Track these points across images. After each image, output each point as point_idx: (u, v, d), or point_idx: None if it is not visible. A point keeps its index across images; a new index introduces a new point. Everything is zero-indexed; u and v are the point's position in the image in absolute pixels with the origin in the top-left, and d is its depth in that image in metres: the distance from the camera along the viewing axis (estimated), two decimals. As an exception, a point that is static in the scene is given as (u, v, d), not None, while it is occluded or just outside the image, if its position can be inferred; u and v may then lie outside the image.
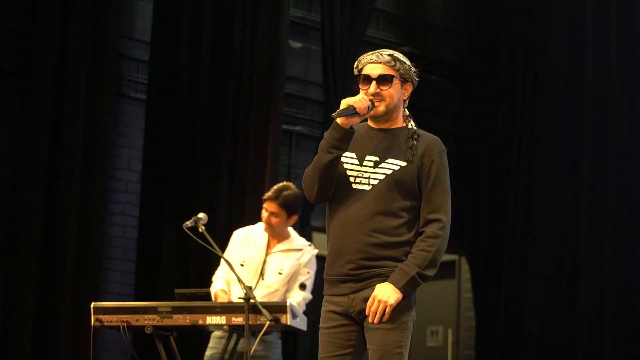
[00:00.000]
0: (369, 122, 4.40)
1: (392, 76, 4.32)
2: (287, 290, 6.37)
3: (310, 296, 6.43)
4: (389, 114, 4.35)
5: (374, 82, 4.31)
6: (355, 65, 4.40)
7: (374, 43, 10.63)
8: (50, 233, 8.22)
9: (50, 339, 8.12)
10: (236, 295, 6.20)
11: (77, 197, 8.32)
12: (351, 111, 4.25)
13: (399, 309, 4.19)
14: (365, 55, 4.39)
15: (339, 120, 4.26)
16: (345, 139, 4.28)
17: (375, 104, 4.31)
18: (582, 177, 9.85)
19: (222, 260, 6.52)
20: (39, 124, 8.28)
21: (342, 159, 4.33)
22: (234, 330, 5.63)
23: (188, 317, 5.56)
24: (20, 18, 8.53)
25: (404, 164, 4.28)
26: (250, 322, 5.33)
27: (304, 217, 9.62)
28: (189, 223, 5.78)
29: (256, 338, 5.57)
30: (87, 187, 8.40)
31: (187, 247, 8.52)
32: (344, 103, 4.27)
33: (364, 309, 4.21)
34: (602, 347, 9.54)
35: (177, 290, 5.92)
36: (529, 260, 10.01)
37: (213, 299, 6.17)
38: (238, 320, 5.50)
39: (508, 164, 10.39)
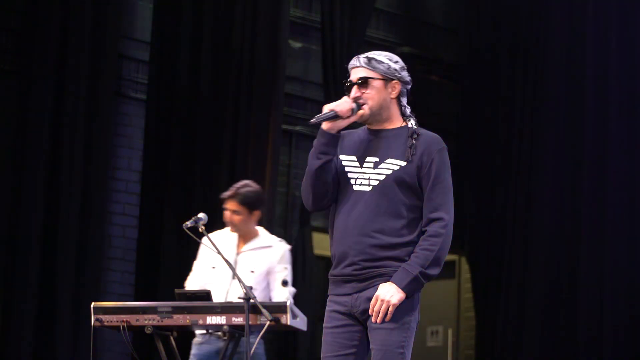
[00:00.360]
0: (368, 126, 4.40)
1: (370, 78, 4.31)
2: (269, 290, 6.34)
3: (294, 289, 6.42)
4: (376, 115, 4.34)
5: (355, 87, 4.33)
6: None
7: (374, 43, 10.63)
8: (51, 233, 8.21)
9: (50, 339, 8.12)
10: (235, 295, 6.20)
11: (77, 197, 8.32)
12: (331, 115, 4.27)
13: (402, 309, 4.19)
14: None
15: (324, 126, 4.28)
16: (332, 144, 4.29)
17: (362, 107, 4.31)
18: (582, 176, 9.85)
19: (194, 265, 6.55)
20: (39, 124, 8.28)
21: (343, 162, 4.34)
22: (233, 330, 5.63)
23: (188, 317, 5.55)
24: (20, 18, 8.52)
25: (403, 163, 4.27)
26: (250, 322, 5.33)
27: (304, 217, 9.62)
28: (189, 223, 5.77)
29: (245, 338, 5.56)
30: (87, 187, 8.40)
31: (187, 247, 8.51)
32: (326, 108, 4.30)
33: (367, 309, 4.20)
34: (602, 346, 9.53)
35: (177, 290, 5.92)
36: (529, 260, 10.01)
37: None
38: (238, 320, 5.50)
39: (508, 164, 10.39)
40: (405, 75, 4.37)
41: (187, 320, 5.55)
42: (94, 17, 8.53)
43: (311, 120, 4.31)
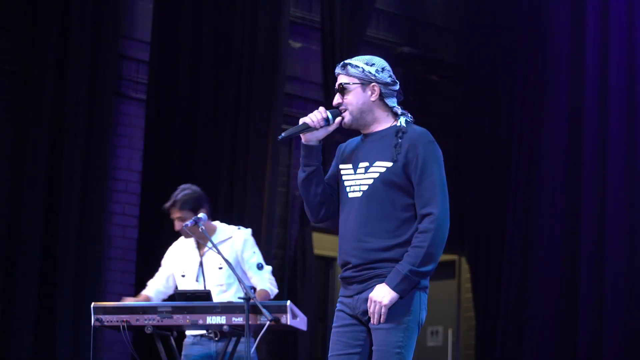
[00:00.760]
0: (361, 131, 4.43)
1: (347, 84, 4.35)
2: (246, 279, 6.31)
3: (270, 267, 6.39)
4: (359, 119, 4.37)
5: (337, 94, 4.38)
6: None
7: (374, 43, 10.64)
8: (51, 233, 8.21)
9: (50, 339, 8.12)
10: (236, 295, 6.20)
11: (77, 197, 8.32)
12: (301, 128, 4.33)
13: (398, 309, 4.20)
14: None
15: (302, 138, 4.36)
16: (312, 155, 4.35)
17: (343, 114, 4.36)
18: (583, 176, 9.85)
19: (158, 272, 6.55)
20: (39, 124, 8.28)
21: (341, 171, 4.38)
22: (233, 330, 5.63)
23: (188, 317, 5.55)
24: (20, 18, 8.52)
25: (390, 164, 4.27)
26: (250, 322, 5.33)
27: (304, 217, 9.62)
28: (189, 223, 5.77)
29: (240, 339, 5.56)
30: (87, 187, 8.40)
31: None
32: (300, 121, 4.36)
33: (367, 310, 4.23)
34: (602, 346, 9.53)
35: (177, 290, 5.92)
36: (529, 260, 10.01)
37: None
38: (238, 320, 5.50)
39: (508, 163, 10.39)
40: (384, 76, 4.36)
41: (187, 320, 5.55)
42: (94, 17, 8.54)
43: (279, 137, 4.37)
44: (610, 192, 9.74)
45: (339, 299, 4.37)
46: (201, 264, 6.36)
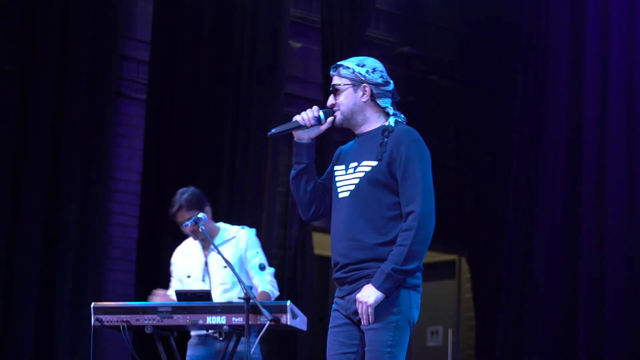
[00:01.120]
0: (355, 132, 4.48)
1: (338, 84, 4.40)
2: (248, 279, 6.34)
3: (272, 269, 6.43)
4: (350, 120, 4.42)
5: (331, 95, 4.43)
6: None
7: (374, 43, 10.64)
8: (51, 233, 8.21)
9: (50, 339, 8.11)
10: (214, 296, 6.20)
11: (77, 197, 8.32)
12: (294, 125, 4.38)
13: (385, 308, 4.22)
14: None
15: (294, 136, 4.41)
16: (302, 153, 4.41)
17: (335, 114, 4.41)
18: (583, 176, 9.84)
19: (171, 283, 6.58)
20: (39, 123, 8.28)
21: (335, 173, 4.43)
22: (233, 330, 5.63)
23: (188, 317, 5.55)
24: (20, 18, 8.52)
25: (375, 163, 4.31)
26: (250, 322, 5.33)
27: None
28: (189, 223, 5.77)
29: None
30: (87, 187, 8.40)
31: (187, 247, 8.51)
32: (293, 119, 4.42)
33: (357, 310, 4.27)
34: (602, 347, 9.53)
35: (177, 290, 5.92)
36: (529, 260, 10.01)
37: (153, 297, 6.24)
38: (238, 320, 5.50)
39: (508, 163, 10.38)
40: (375, 77, 4.40)
41: (187, 320, 5.55)
42: (94, 17, 8.53)
43: (269, 132, 4.41)
44: (610, 192, 9.73)
45: (334, 299, 4.41)
46: (206, 264, 6.38)
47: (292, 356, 9.27)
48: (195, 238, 6.44)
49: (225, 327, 5.54)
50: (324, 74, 9.73)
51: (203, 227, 5.89)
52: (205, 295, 5.77)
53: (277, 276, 6.66)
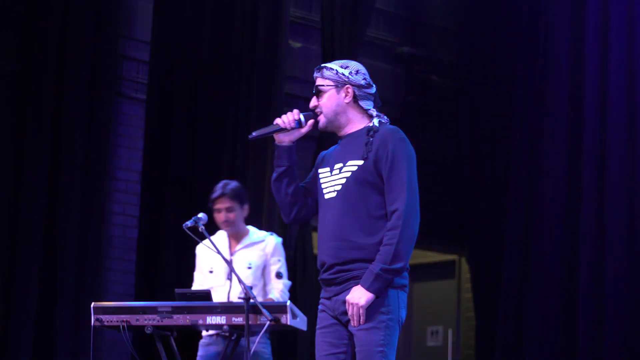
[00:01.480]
0: (338, 134, 4.49)
1: (321, 86, 4.42)
2: (265, 284, 6.39)
3: (289, 282, 6.48)
4: (333, 121, 4.45)
5: (313, 97, 4.47)
6: None
7: (374, 43, 10.63)
8: (51, 233, 8.21)
9: (50, 339, 8.11)
10: (236, 296, 6.21)
11: (77, 197, 8.32)
12: (274, 129, 4.43)
13: (375, 308, 4.23)
14: None
15: (275, 139, 4.46)
16: (283, 156, 4.46)
17: (318, 116, 4.44)
18: (583, 176, 9.84)
19: (195, 276, 6.59)
20: (39, 123, 8.28)
21: (319, 175, 4.45)
22: (233, 330, 5.63)
23: (188, 317, 5.55)
24: (20, 18, 8.52)
25: (361, 162, 4.32)
26: (250, 322, 5.33)
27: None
28: (188, 223, 5.78)
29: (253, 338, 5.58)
30: (87, 187, 8.40)
31: (187, 247, 8.51)
32: (274, 122, 4.46)
33: (346, 311, 4.27)
34: (602, 347, 9.53)
35: (177, 290, 5.92)
36: (529, 260, 10.01)
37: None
38: (238, 320, 5.50)
39: (508, 163, 10.38)
40: (358, 79, 4.41)
41: (187, 320, 5.55)
42: (94, 17, 8.53)
43: (250, 135, 4.44)
44: (610, 192, 9.73)
45: (320, 300, 4.40)
46: (231, 262, 6.40)
47: (292, 356, 9.27)
48: (228, 229, 6.48)
49: (225, 327, 5.54)
50: (324, 74, 9.73)
51: (203, 228, 5.89)
52: (205, 295, 5.77)
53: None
